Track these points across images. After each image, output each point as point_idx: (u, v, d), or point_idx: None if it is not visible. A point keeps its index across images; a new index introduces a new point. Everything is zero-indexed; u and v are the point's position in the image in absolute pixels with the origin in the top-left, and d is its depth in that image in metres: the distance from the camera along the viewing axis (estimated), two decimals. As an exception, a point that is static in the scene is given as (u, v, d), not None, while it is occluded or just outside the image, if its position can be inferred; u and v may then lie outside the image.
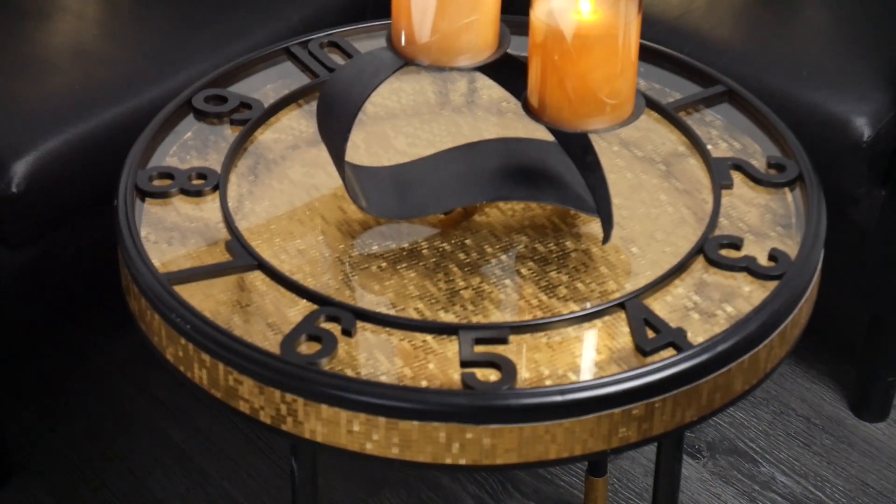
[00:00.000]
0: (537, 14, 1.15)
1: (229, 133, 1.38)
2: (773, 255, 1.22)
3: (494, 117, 1.42)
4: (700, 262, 1.23)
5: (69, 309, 1.74)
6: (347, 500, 1.72)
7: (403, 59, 1.21)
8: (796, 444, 1.80)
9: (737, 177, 1.33)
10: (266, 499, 1.73)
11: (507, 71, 1.26)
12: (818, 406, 1.86)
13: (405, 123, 1.41)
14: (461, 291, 1.21)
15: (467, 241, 1.27)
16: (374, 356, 1.14)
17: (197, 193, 1.30)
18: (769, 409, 1.85)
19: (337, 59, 1.47)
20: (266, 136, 1.38)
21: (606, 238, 1.25)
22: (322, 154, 1.35)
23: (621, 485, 1.75)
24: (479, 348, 1.14)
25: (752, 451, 1.79)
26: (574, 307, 1.19)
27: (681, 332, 1.15)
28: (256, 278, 1.21)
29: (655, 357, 1.13)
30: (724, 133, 1.39)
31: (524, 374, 1.13)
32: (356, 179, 1.29)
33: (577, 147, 1.25)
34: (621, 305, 1.18)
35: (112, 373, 1.89)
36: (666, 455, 1.28)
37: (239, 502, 1.72)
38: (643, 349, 1.14)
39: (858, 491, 1.74)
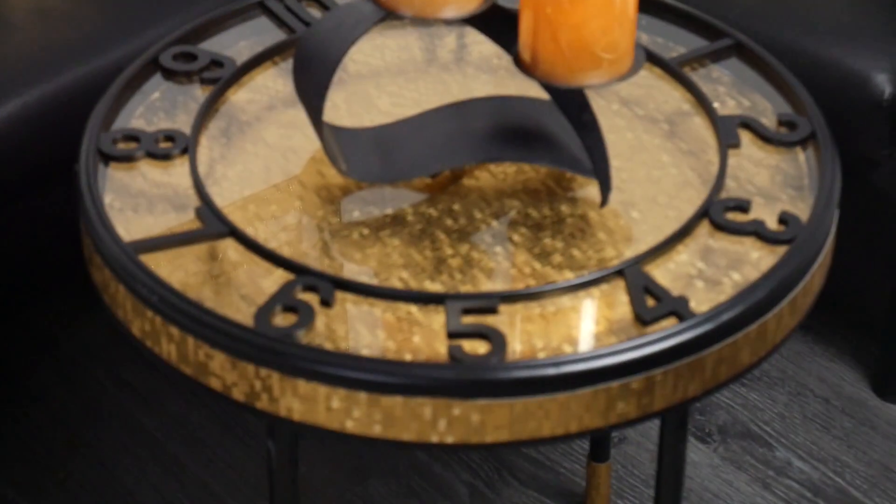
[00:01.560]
0: (527, -40, 1.16)
1: (199, 93, 1.39)
2: (784, 219, 1.23)
3: (485, 75, 1.43)
4: (705, 227, 1.24)
5: (32, 288, 1.75)
6: (331, 489, 1.73)
7: (384, 11, 1.22)
8: (814, 427, 1.81)
9: (745, 136, 1.34)
10: (245, 489, 1.74)
11: (498, 24, 1.27)
12: (838, 386, 1.87)
13: (389, 82, 1.42)
14: (448, 260, 1.22)
15: (455, 207, 1.27)
16: (354, 328, 1.15)
17: (164, 157, 1.31)
18: (785, 389, 1.86)
19: (315, 13, 1.48)
20: (239, 96, 1.39)
21: (604, 202, 1.26)
22: (299, 115, 1.36)
23: (626, 471, 1.76)
24: (467, 319, 1.15)
25: (766, 435, 1.80)
26: (569, 275, 1.20)
27: (683, 301, 1.16)
28: (229, 247, 1.22)
29: (656, 327, 1.14)
30: (732, 90, 1.40)
31: (516, 347, 1.14)
32: (336, 141, 1.30)
33: (573, 105, 1.26)
34: (620, 273, 1.19)
35: (79, 356, 1.90)
36: (669, 434, 1.29)
37: (216, 493, 1.73)
38: (643, 318, 1.15)
39: (881, 476, 1.75)
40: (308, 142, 1.34)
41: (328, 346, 1.13)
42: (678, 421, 1.28)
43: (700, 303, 1.17)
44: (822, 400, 1.85)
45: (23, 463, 1.76)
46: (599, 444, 1.67)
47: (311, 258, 1.22)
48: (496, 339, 1.12)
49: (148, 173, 1.30)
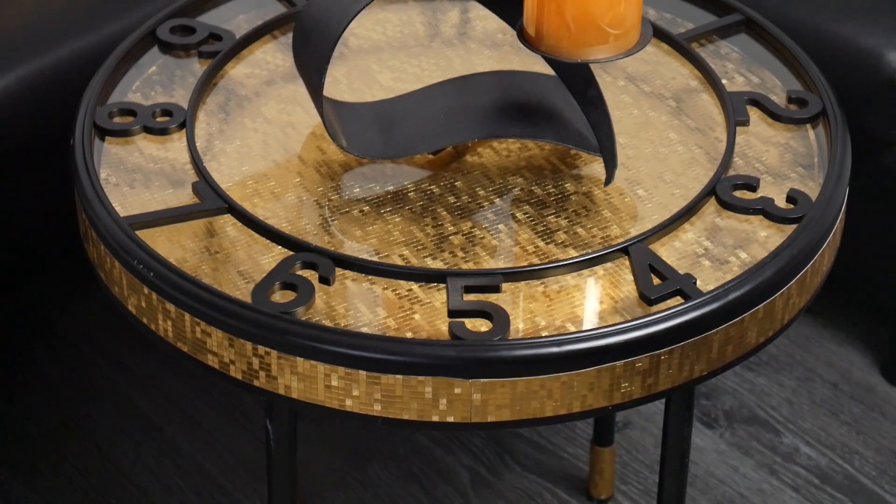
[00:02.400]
0: (532, -69, 1.16)
1: (197, 67, 1.39)
2: (792, 197, 1.24)
3: (489, 50, 1.43)
4: (712, 205, 1.24)
5: (26, 267, 1.75)
6: (331, 474, 1.74)
7: (387, -17, 1.22)
8: (822, 413, 1.82)
9: (754, 113, 1.34)
10: (242, 472, 1.74)
11: (502, -3, 1.27)
12: (847, 371, 1.87)
13: (391, 57, 1.42)
14: (450, 237, 1.22)
15: (458, 184, 1.28)
16: (354, 306, 1.16)
17: (161, 132, 1.31)
18: (793, 374, 1.87)
19: (316, -14, 1.48)
20: (238, 71, 1.39)
21: (609, 179, 1.26)
22: (299, 90, 1.36)
23: (630, 457, 1.77)
24: (469, 297, 1.15)
25: (773, 421, 1.81)
26: (573, 253, 1.20)
27: (689, 279, 1.16)
28: (227, 223, 1.22)
29: (661, 306, 1.15)
30: (741, 66, 1.40)
31: (518, 325, 1.14)
32: (336, 116, 1.30)
33: (578, 80, 1.26)
34: (625, 251, 1.19)
35: (74, 337, 1.90)
36: (674, 417, 1.29)
37: (213, 476, 1.74)
38: (648, 297, 1.15)
39: (890, 463, 1.76)
40: (308, 117, 1.34)
41: (327, 323, 1.13)
42: (683, 403, 1.28)
43: (706, 282, 1.17)
44: (830, 385, 1.85)
45: (16, 444, 1.77)
46: (603, 427, 1.68)
47: (311, 235, 1.22)
48: (498, 317, 1.12)
49: (144, 148, 1.30)
